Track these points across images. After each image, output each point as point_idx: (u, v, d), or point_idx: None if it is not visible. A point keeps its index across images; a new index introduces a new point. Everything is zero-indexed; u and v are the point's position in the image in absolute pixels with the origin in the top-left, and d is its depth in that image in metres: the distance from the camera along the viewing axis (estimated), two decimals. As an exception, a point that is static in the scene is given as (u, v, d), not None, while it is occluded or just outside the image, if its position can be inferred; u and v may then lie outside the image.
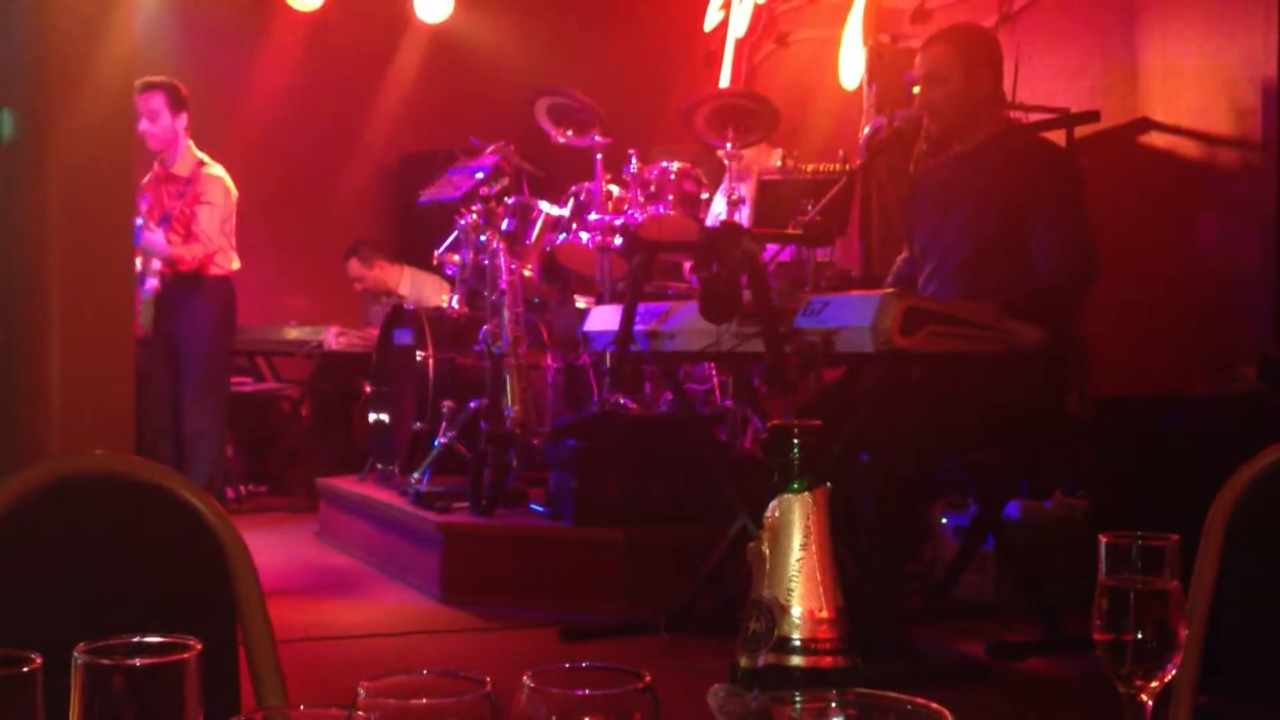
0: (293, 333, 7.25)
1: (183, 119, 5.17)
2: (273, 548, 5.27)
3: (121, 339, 3.43)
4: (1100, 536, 0.98)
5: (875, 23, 5.96)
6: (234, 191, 5.29)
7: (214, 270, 5.19)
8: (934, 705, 0.62)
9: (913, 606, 3.96)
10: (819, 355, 3.16)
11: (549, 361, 5.26)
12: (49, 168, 3.29)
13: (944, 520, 4.38)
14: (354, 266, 7.25)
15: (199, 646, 0.70)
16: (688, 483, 4.26)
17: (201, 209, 5.15)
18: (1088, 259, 3.51)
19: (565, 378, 5.28)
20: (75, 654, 0.68)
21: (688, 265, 5.06)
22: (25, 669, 0.70)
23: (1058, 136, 4.77)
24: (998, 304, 3.32)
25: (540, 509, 4.59)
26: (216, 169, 5.25)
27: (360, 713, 0.64)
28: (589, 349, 4.25)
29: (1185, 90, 4.99)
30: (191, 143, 5.24)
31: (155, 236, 5.05)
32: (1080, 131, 4.95)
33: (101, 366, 3.32)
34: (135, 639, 0.70)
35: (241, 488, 7.05)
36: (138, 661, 0.68)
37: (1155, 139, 5.09)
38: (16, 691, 0.69)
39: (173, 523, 1.31)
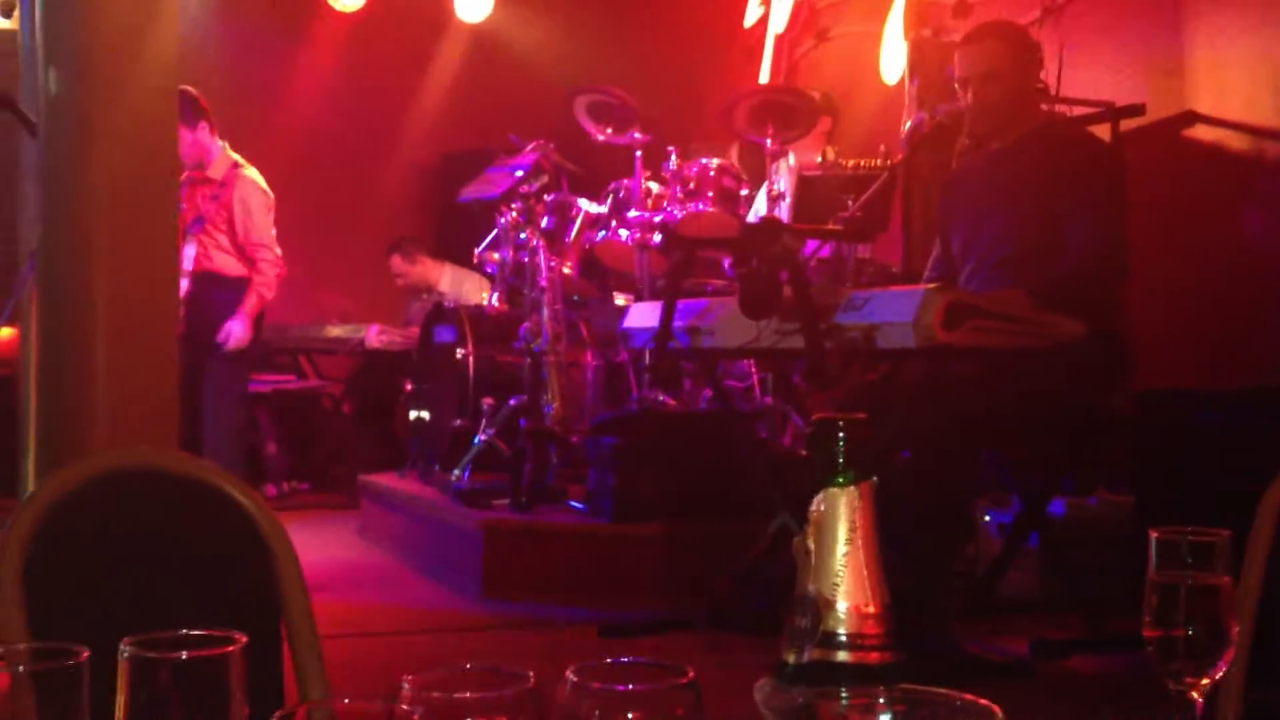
0: (334, 331, 7.31)
1: (203, 128, 5.03)
2: (315, 544, 5.29)
3: (165, 336, 3.47)
4: (1150, 532, 0.97)
5: (916, 17, 5.91)
6: (269, 193, 5.23)
7: (239, 272, 5.15)
8: (982, 701, 0.61)
9: (956, 604, 3.93)
10: (860, 351, 3.14)
11: (588, 359, 5.26)
12: (94, 168, 3.32)
13: (987, 517, 4.34)
14: (396, 263, 7.29)
15: (244, 640, 0.70)
16: (726, 480, 4.25)
17: (243, 225, 5.07)
18: (1114, 254, 3.46)
19: (604, 375, 5.28)
20: (122, 647, 0.68)
21: (727, 262, 5.05)
22: (72, 662, 0.70)
23: (1102, 130, 4.72)
24: (1022, 292, 3.26)
25: (579, 506, 4.59)
26: (250, 171, 5.16)
27: (404, 706, 0.64)
28: (628, 346, 4.25)
29: (1232, 83, 4.92)
30: (225, 144, 5.15)
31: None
32: (1125, 125, 4.89)
33: (146, 363, 3.36)
34: (181, 632, 0.70)
35: (284, 484, 7.10)
36: (183, 655, 0.68)
37: (1201, 132, 5.02)
38: (63, 684, 0.70)
39: (218, 518, 1.32)
